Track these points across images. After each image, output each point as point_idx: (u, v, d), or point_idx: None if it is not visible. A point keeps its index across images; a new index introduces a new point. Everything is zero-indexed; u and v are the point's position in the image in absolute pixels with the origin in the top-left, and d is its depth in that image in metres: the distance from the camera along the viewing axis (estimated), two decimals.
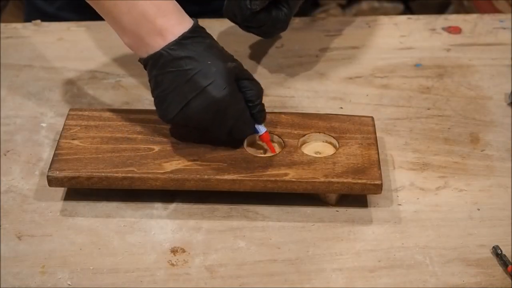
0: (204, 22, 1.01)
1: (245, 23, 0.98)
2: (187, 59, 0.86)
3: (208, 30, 0.90)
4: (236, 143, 0.90)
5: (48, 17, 1.20)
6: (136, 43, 0.88)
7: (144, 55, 0.88)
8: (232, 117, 0.87)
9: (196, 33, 0.87)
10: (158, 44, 0.86)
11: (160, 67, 0.87)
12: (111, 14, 0.89)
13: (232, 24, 1.01)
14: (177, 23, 0.87)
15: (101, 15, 0.91)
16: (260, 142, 0.92)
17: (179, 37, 0.86)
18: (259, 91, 0.89)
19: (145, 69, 0.89)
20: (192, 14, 0.91)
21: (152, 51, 0.87)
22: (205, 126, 0.88)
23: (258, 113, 0.89)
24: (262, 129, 0.90)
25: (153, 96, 0.89)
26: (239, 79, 0.88)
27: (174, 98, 0.86)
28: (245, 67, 0.90)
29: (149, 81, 0.89)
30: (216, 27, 1.15)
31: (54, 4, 1.22)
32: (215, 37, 0.89)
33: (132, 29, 0.88)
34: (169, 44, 0.86)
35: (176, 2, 0.89)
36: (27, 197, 0.90)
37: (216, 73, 0.85)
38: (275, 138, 0.93)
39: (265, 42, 1.15)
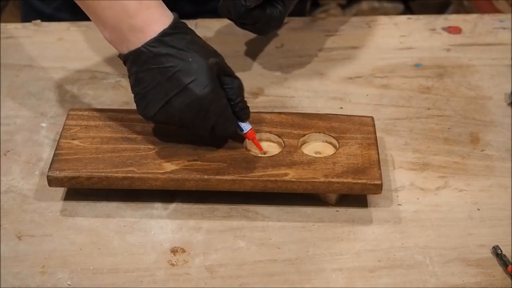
0: (204, 22, 1.02)
1: (239, 19, 0.98)
2: (168, 56, 0.85)
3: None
4: (218, 141, 0.90)
5: (46, 18, 1.20)
6: (117, 38, 0.88)
7: (125, 51, 0.87)
8: (214, 114, 0.86)
9: (177, 29, 0.87)
10: (139, 40, 0.86)
11: (140, 64, 0.86)
12: (93, 9, 0.88)
13: (232, 23, 1.01)
14: (158, 19, 0.86)
15: (82, 9, 0.90)
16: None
17: (159, 33, 0.86)
18: (240, 89, 0.89)
19: (125, 65, 0.89)
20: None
21: (132, 47, 0.86)
22: (186, 123, 0.88)
23: (240, 111, 0.88)
24: (246, 126, 0.90)
25: (133, 93, 0.88)
26: (221, 75, 0.87)
27: (155, 95, 0.86)
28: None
29: (129, 77, 0.88)
30: (215, 26, 1.15)
31: (51, 4, 1.22)
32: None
33: (113, 24, 0.87)
34: (149, 40, 0.86)
35: None
36: (27, 197, 0.90)
37: (198, 70, 0.84)
38: (275, 138, 0.93)
39: (265, 42, 1.15)
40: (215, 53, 0.88)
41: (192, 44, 0.86)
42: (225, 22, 1.14)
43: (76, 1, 0.90)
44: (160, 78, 0.85)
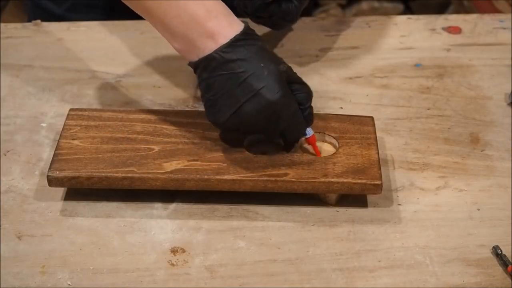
0: None
1: (256, 13, 0.98)
2: (240, 62, 0.85)
3: None
4: (287, 146, 0.91)
5: (56, 19, 1.19)
6: (187, 47, 0.88)
7: (195, 58, 0.87)
8: (285, 120, 0.87)
9: (248, 35, 0.87)
10: (209, 47, 0.86)
11: (211, 70, 0.86)
12: (161, 20, 0.88)
13: None
14: (227, 26, 0.86)
15: (148, 21, 0.90)
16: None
17: (231, 39, 0.86)
18: (309, 94, 0.89)
19: (195, 72, 0.89)
20: None
21: (203, 54, 0.86)
22: (258, 129, 0.88)
23: (307, 116, 0.89)
24: (309, 131, 0.90)
25: (202, 100, 0.88)
26: (290, 82, 0.87)
27: (226, 102, 0.86)
28: None
29: (199, 84, 0.88)
30: None
31: (63, 5, 1.22)
32: None
33: (182, 33, 0.87)
34: (221, 46, 0.85)
35: (224, 4, 0.88)
36: (27, 197, 0.90)
37: (269, 76, 0.85)
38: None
39: (266, 42, 1.14)
40: (282, 61, 0.88)
41: (263, 51, 0.87)
42: None
43: (143, 16, 0.90)
44: (231, 84, 0.85)
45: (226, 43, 0.85)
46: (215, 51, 0.86)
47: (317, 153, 0.91)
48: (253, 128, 0.88)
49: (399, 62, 1.12)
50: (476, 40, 1.17)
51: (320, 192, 0.88)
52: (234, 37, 0.86)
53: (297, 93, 0.88)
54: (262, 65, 0.85)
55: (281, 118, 0.86)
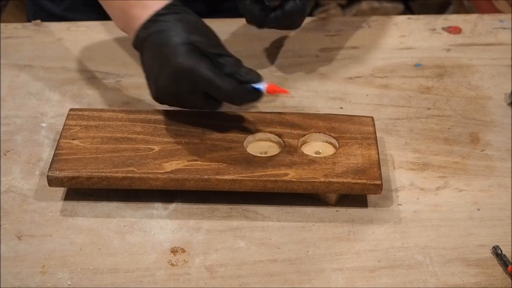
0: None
1: (262, 21, 0.98)
2: (157, 34, 0.89)
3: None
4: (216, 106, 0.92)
5: (56, 18, 1.20)
6: (127, 29, 0.93)
7: (132, 35, 0.92)
8: (202, 83, 0.87)
9: (169, 9, 0.90)
10: (137, 26, 0.91)
11: (140, 48, 0.91)
12: (105, 7, 0.96)
13: (242, 24, 1.01)
14: (153, 4, 0.90)
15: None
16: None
17: (151, 15, 0.90)
18: (234, 61, 0.90)
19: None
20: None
21: (137, 24, 0.91)
22: (182, 96, 0.90)
23: (246, 75, 0.89)
24: (262, 85, 0.89)
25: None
26: (210, 54, 0.88)
27: (150, 75, 0.90)
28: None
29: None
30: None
31: (61, 5, 1.22)
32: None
33: (120, 17, 0.93)
34: (144, 23, 0.90)
35: None
36: (27, 197, 0.90)
37: (177, 43, 0.87)
38: (275, 138, 0.93)
39: (266, 42, 1.15)
40: (203, 32, 0.90)
41: (180, 22, 0.89)
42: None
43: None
44: (151, 56, 0.89)
45: (148, 18, 0.90)
46: (139, 28, 0.90)
47: (284, 92, 0.90)
48: (176, 98, 0.91)
49: (399, 62, 1.12)
50: (476, 40, 1.17)
51: (320, 192, 0.88)
52: (156, 12, 0.90)
53: (223, 65, 0.89)
54: (172, 33, 0.88)
55: (197, 82, 0.87)
